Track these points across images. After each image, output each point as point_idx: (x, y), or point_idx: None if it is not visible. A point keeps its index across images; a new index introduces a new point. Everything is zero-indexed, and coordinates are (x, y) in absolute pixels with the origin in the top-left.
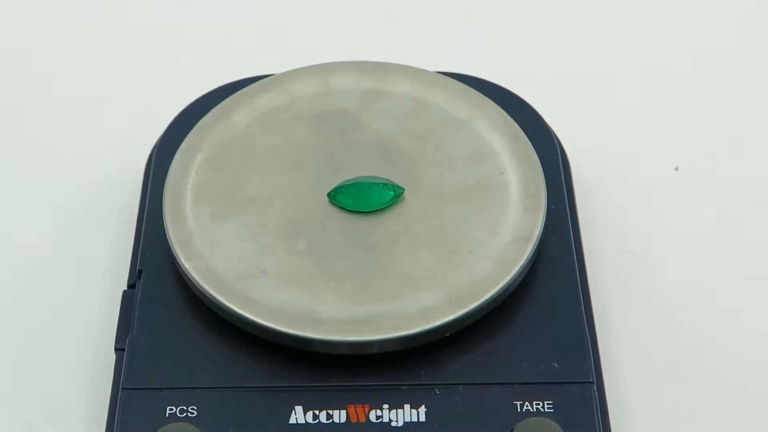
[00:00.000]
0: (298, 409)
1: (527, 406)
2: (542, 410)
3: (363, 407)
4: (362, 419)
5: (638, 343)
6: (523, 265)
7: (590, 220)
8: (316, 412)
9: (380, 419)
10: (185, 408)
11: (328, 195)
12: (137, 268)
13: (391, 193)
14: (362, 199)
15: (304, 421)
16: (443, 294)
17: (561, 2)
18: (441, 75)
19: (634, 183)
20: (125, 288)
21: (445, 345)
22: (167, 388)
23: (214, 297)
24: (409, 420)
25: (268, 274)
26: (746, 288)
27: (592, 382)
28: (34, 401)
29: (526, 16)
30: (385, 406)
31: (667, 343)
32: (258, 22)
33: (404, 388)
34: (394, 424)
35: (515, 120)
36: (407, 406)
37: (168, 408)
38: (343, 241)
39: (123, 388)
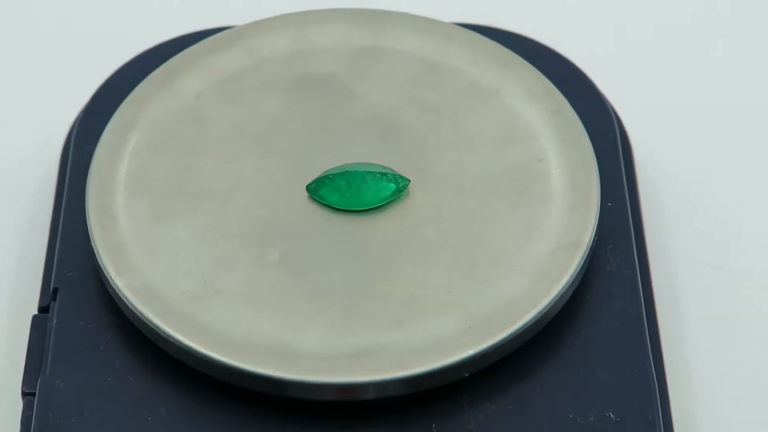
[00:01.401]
0: None
1: None
2: None
3: None
4: None
5: (723, 387)
6: (568, 282)
7: (658, 221)
8: None
9: None
10: None
11: (308, 188)
12: (51, 286)
13: (392, 185)
14: (353, 193)
15: None
16: (461, 320)
17: None
18: (459, 27)
19: (715, 175)
20: (35, 312)
21: (464, 389)
22: None
23: (154, 324)
24: None
25: (228, 294)
26: None
27: None
28: None
29: None
30: None
31: (762, 385)
32: None
33: None
34: None
35: (559, 88)
36: None
37: None
38: (327, 249)
39: None
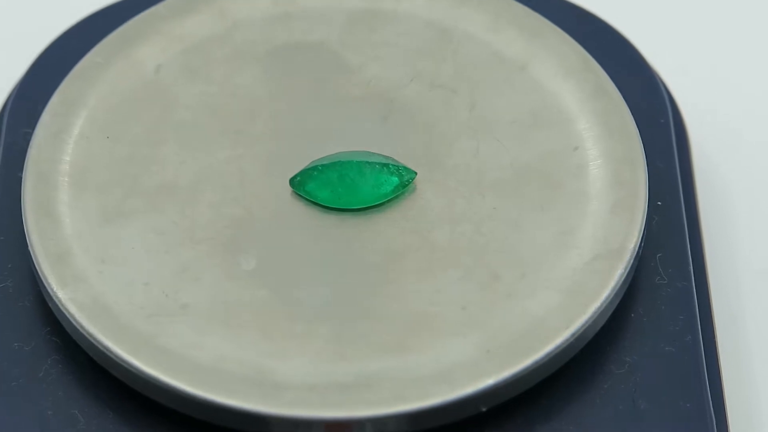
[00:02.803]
0: None
1: None
2: None
3: None
4: None
5: None
6: (608, 297)
7: (719, 225)
8: None
9: None
10: None
11: (291, 182)
12: None
13: (395, 179)
14: (347, 189)
15: None
16: (478, 343)
17: None
18: None
19: None
20: None
21: (480, 427)
22: None
23: (105, 346)
24: None
25: (195, 311)
26: None
27: None
28: None
29: None
30: None
31: None
32: None
33: None
34: None
35: (599, 60)
36: None
37: None
38: (315, 257)
39: None
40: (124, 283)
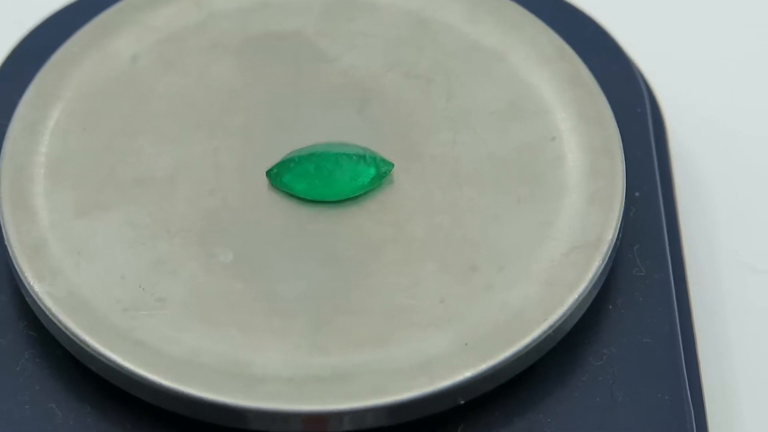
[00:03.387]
0: None
1: None
2: None
3: None
4: None
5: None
6: (586, 289)
7: (697, 216)
8: None
9: None
10: None
11: (268, 174)
12: None
13: (372, 171)
14: (324, 180)
15: None
16: (456, 336)
17: None
18: None
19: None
20: None
21: (459, 420)
22: None
23: (82, 340)
24: None
25: (171, 304)
26: None
27: None
28: None
29: None
30: None
31: None
32: None
33: None
34: None
35: (577, 52)
36: None
37: None
38: (292, 250)
39: None
40: (100, 277)
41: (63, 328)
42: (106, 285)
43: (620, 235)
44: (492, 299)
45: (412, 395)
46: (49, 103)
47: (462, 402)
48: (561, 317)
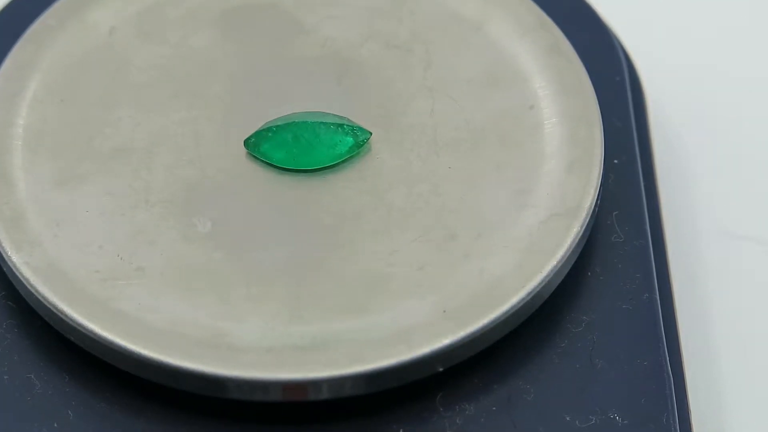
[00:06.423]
0: None
1: None
2: None
3: None
4: None
5: (752, 385)
6: (564, 255)
7: (676, 183)
8: None
9: None
10: None
11: (246, 143)
12: None
13: (350, 140)
14: (302, 149)
15: None
16: (435, 304)
17: None
18: None
19: (748, 127)
20: None
21: (438, 387)
22: None
23: (60, 310)
24: None
25: (150, 274)
26: None
27: None
28: None
29: None
30: None
31: None
32: None
33: None
34: None
35: (555, 21)
36: None
37: None
38: (271, 219)
39: None
40: (79, 247)
41: (41, 299)
42: (85, 255)
43: (599, 202)
44: (471, 266)
45: (391, 363)
46: (26, 74)
47: (441, 370)
48: (540, 284)
